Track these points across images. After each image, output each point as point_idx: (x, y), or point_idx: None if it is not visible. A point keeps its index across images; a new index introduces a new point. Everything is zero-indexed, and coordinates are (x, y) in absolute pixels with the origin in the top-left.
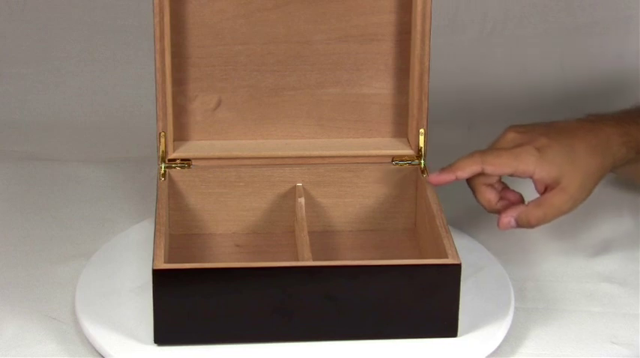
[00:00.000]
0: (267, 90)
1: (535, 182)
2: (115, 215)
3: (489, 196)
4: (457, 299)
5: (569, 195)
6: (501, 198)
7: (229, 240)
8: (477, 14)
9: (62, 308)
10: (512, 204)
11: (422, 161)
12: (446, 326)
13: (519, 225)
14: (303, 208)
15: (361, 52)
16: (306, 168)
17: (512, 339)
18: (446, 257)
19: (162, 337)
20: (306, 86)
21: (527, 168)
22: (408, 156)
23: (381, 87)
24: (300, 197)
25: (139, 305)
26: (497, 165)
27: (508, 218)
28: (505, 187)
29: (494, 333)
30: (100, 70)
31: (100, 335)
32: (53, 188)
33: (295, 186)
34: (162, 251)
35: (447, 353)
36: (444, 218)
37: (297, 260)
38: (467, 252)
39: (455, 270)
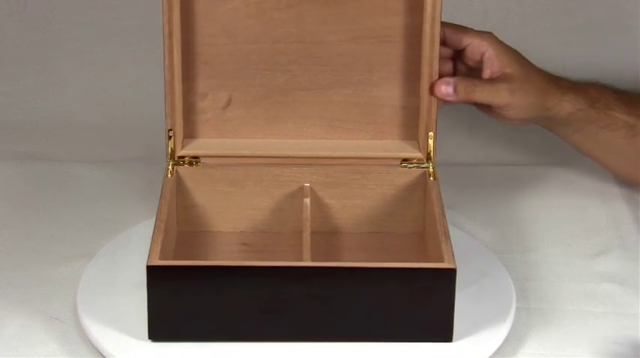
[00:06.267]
0: (278, 89)
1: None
2: (116, 215)
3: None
4: (452, 304)
5: (512, 84)
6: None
7: (236, 238)
8: (477, 14)
9: (63, 308)
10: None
11: (431, 164)
12: (441, 330)
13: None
14: (308, 208)
15: (373, 54)
16: (315, 169)
17: (514, 339)
18: (442, 261)
19: (156, 333)
20: (318, 86)
21: (483, 40)
22: (417, 158)
23: (392, 89)
24: (306, 197)
25: (140, 305)
26: (458, 29)
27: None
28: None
29: (495, 334)
30: (100, 70)
31: (102, 335)
32: (53, 188)
33: (303, 186)
34: (159, 247)
35: (447, 353)
36: (446, 222)
37: (302, 260)
38: (470, 253)
39: (450, 275)
